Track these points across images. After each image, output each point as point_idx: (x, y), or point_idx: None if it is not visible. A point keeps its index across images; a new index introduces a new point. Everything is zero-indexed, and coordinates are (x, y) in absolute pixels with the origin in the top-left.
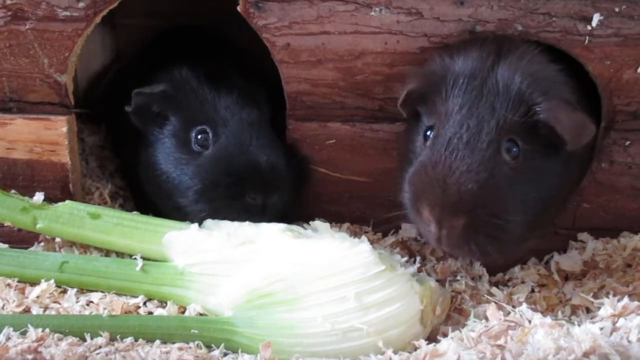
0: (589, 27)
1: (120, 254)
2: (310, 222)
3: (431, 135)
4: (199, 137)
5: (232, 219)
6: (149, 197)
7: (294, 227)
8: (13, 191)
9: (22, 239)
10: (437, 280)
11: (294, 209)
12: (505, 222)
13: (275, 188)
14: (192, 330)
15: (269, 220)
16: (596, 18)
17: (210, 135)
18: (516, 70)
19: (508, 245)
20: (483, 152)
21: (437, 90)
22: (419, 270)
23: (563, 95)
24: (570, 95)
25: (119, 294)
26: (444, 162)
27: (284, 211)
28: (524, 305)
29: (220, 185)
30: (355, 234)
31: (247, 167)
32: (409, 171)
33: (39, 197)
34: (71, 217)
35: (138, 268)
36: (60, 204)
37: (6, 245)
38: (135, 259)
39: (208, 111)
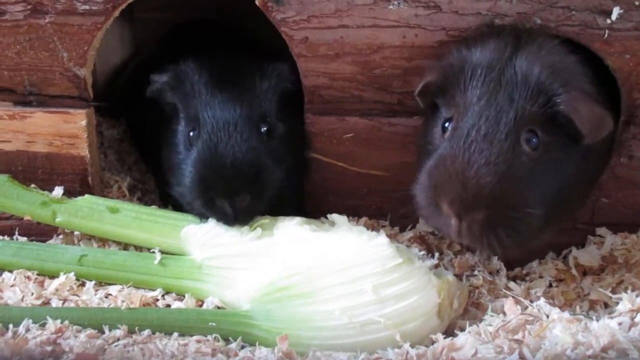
0: (608, 21)
1: (138, 248)
2: (328, 216)
3: (449, 127)
4: (191, 135)
5: (214, 219)
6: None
7: (312, 220)
8: (33, 185)
9: (41, 232)
10: (455, 275)
11: (298, 202)
12: (524, 214)
13: (241, 191)
14: (210, 323)
15: (247, 222)
16: (616, 12)
17: (197, 135)
18: (535, 60)
19: (527, 237)
20: (502, 144)
21: (455, 82)
22: (437, 265)
23: (582, 87)
24: (590, 87)
25: (137, 287)
26: (463, 155)
27: (266, 211)
28: (542, 300)
29: (195, 189)
30: (372, 229)
31: (212, 172)
32: (427, 164)
33: (58, 191)
34: (90, 211)
35: (156, 261)
36: (79, 198)
37: (25, 238)
38: (153, 252)
39: (199, 109)
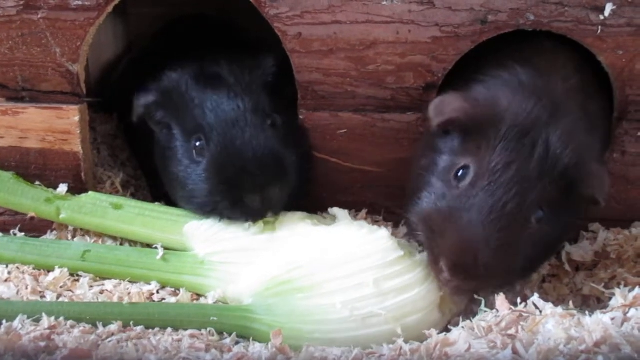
0: (601, 17)
1: (135, 244)
2: (329, 210)
3: (467, 180)
4: (197, 145)
5: (239, 221)
6: (162, 186)
7: (314, 215)
8: (37, 182)
9: (34, 227)
10: None
11: (304, 196)
12: (516, 276)
13: (270, 183)
14: (212, 318)
15: (276, 213)
16: (609, 8)
17: (205, 143)
18: (569, 140)
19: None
20: (518, 227)
21: (483, 133)
22: None
23: (598, 159)
24: (601, 154)
25: (132, 282)
26: (482, 229)
27: (292, 200)
28: (535, 295)
29: (218, 193)
30: None
31: (236, 170)
32: (436, 204)
33: (62, 188)
34: (94, 207)
35: (158, 257)
36: (83, 195)
37: (22, 234)
38: (156, 248)
39: (198, 118)
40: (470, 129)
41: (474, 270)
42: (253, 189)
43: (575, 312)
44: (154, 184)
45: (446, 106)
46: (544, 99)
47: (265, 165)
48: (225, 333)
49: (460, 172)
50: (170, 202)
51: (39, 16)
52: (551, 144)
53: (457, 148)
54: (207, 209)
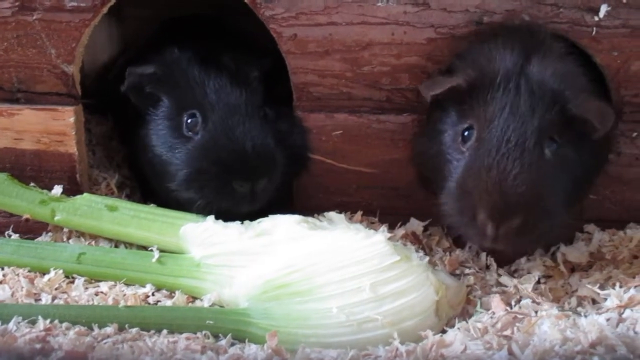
0: (596, 18)
1: (131, 246)
2: (325, 214)
3: (472, 137)
4: (189, 121)
5: (223, 206)
6: (153, 187)
7: (310, 218)
8: (32, 184)
9: (29, 229)
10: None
11: (290, 193)
12: (553, 214)
13: (262, 174)
14: (208, 321)
15: (259, 205)
16: (604, 9)
17: (200, 120)
18: (546, 69)
19: (553, 235)
20: (530, 153)
21: (474, 96)
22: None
23: (585, 87)
24: (588, 85)
25: (127, 284)
26: (497, 167)
27: (276, 195)
28: (528, 300)
29: (208, 173)
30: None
31: (233, 155)
32: (454, 173)
33: (57, 190)
34: (89, 209)
35: (154, 260)
36: (78, 196)
37: (17, 235)
38: (152, 250)
39: (197, 95)
40: (463, 98)
41: (507, 204)
42: (245, 177)
43: (570, 313)
44: (144, 184)
45: (437, 83)
46: (516, 48)
47: (260, 157)
48: (221, 336)
49: (466, 133)
50: (160, 202)
51: (34, 17)
52: (532, 76)
53: (456, 119)
54: (191, 188)
